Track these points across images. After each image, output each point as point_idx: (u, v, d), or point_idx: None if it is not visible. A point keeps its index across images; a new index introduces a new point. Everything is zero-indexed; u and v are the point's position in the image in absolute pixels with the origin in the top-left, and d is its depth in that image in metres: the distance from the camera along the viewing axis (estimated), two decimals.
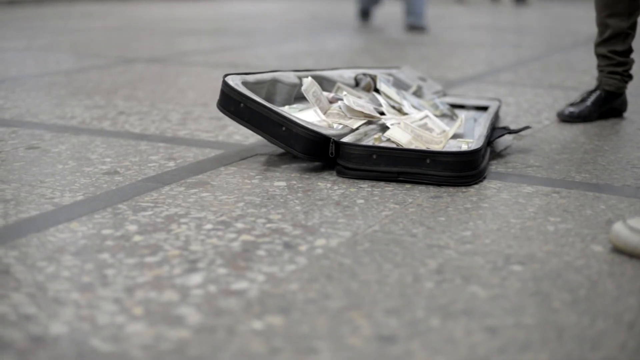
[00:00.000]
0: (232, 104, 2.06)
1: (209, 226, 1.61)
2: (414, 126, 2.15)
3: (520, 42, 5.42)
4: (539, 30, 6.34)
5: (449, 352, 1.10)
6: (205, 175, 1.98)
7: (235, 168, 2.05)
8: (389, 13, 8.45)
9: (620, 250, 1.50)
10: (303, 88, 2.18)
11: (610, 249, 1.51)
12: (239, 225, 1.62)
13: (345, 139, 2.04)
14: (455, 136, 2.31)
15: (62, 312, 1.20)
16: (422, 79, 2.85)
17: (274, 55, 4.54)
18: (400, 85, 2.73)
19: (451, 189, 1.89)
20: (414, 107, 2.47)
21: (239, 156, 2.17)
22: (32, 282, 1.31)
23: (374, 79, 2.54)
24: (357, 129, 2.15)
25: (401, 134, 2.10)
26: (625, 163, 2.17)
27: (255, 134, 2.30)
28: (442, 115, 2.54)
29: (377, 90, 2.53)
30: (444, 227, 1.62)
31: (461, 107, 2.77)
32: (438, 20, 7.57)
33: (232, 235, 1.55)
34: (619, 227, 1.49)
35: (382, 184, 1.93)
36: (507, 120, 2.75)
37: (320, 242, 1.53)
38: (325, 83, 2.50)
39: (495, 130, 2.29)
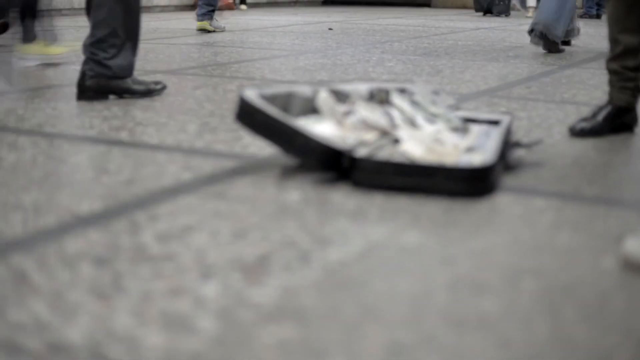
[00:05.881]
0: (249, 116, 2.08)
1: (224, 236, 1.62)
2: (427, 140, 2.17)
3: (532, 57, 5.42)
4: None
5: None
6: (221, 186, 1.99)
7: (250, 179, 2.07)
8: (394, 24, 8.46)
9: (634, 266, 1.49)
10: (318, 101, 2.20)
11: (622, 264, 1.52)
12: (254, 235, 1.63)
13: (359, 152, 2.05)
14: (467, 150, 2.32)
15: (79, 320, 1.22)
16: (435, 93, 2.87)
17: (290, 68, 4.56)
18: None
19: (464, 202, 1.90)
20: (428, 120, 2.48)
21: (255, 167, 2.19)
22: (49, 289, 1.33)
23: (387, 92, 2.56)
24: (371, 142, 2.17)
25: (414, 147, 2.11)
26: (636, 177, 2.17)
27: (271, 145, 2.32)
28: (455, 129, 2.55)
29: (391, 104, 2.55)
30: (456, 240, 1.64)
31: (474, 121, 2.78)
32: (451, 33, 7.58)
33: (247, 246, 1.57)
34: (631, 243, 1.49)
35: (395, 196, 1.94)
36: (519, 134, 2.76)
37: (335, 253, 1.54)
38: (340, 96, 2.51)
39: (507, 145, 2.30)
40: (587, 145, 2.58)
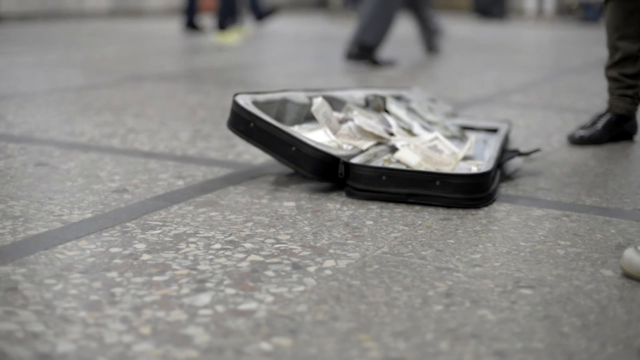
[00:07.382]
0: (242, 123, 2.06)
1: (217, 246, 1.60)
2: (423, 147, 2.15)
3: (530, 64, 5.42)
4: (549, 52, 6.34)
5: None
6: (214, 195, 1.97)
7: (244, 187, 2.05)
8: (400, 32, 8.47)
9: (633, 278, 1.48)
10: (313, 108, 2.18)
11: (621, 274, 1.51)
12: (248, 245, 1.61)
13: (354, 160, 2.04)
14: (465, 158, 2.30)
15: (70, 330, 1.20)
16: (432, 100, 2.85)
17: (284, 74, 4.55)
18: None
19: (461, 211, 1.89)
20: (424, 128, 2.47)
21: (248, 175, 2.17)
22: (39, 299, 1.31)
23: (384, 99, 2.54)
24: (366, 149, 2.15)
25: (411, 155, 2.10)
26: (635, 187, 2.16)
27: (264, 153, 2.30)
28: (452, 137, 2.54)
29: (387, 111, 2.53)
30: (453, 250, 1.62)
31: (471, 128, 2.77)
32: (447, 39, 7.58)
33: (241, 255, 1.55)
34: (631, 254, 1.47)
35: (391, 205, 1.92)
36: (517, 142, 2.74)
37: (329, 263, 1.52)
38: (335, 103, 2.50)
39: (505, 153, 2.29)
40: (586, 154, 2.57)
